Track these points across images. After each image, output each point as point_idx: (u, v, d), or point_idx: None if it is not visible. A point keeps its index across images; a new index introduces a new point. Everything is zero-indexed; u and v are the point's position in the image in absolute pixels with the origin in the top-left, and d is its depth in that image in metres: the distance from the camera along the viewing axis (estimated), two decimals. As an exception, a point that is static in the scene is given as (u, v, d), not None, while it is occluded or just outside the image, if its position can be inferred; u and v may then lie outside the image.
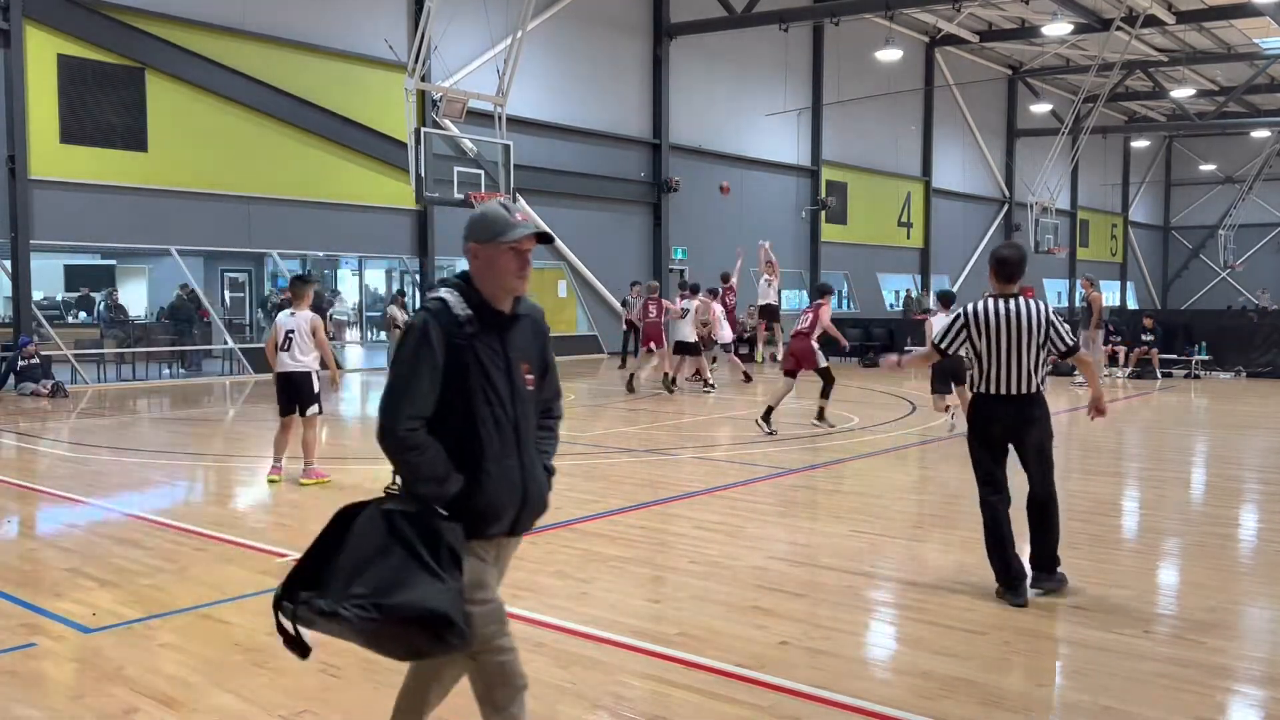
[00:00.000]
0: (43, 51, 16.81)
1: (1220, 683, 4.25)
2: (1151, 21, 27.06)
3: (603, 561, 6.03)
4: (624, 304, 21.26)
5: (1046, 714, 3.97)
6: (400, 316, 21.01)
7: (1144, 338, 20.17)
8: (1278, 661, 4.53)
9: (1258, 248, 46.14)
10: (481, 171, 19.53)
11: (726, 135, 28.23)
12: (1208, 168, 47.61)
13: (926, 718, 3.84)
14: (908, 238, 35.14)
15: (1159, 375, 19.51)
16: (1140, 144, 46.99)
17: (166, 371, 19.26)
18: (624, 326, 21.60)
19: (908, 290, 34.55)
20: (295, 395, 8.47)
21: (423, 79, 18.46)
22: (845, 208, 32.17)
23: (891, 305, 34.05)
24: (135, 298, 24.71)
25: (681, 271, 27.41)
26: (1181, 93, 35.85)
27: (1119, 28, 26.77)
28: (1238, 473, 9.58)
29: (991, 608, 5.19)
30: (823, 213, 31.01)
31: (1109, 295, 45.43)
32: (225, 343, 20.29)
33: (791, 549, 6.48)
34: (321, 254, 24.43)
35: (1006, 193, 39.40)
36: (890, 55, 27.82)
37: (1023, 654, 4.62)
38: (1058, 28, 26.56)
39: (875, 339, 23.84)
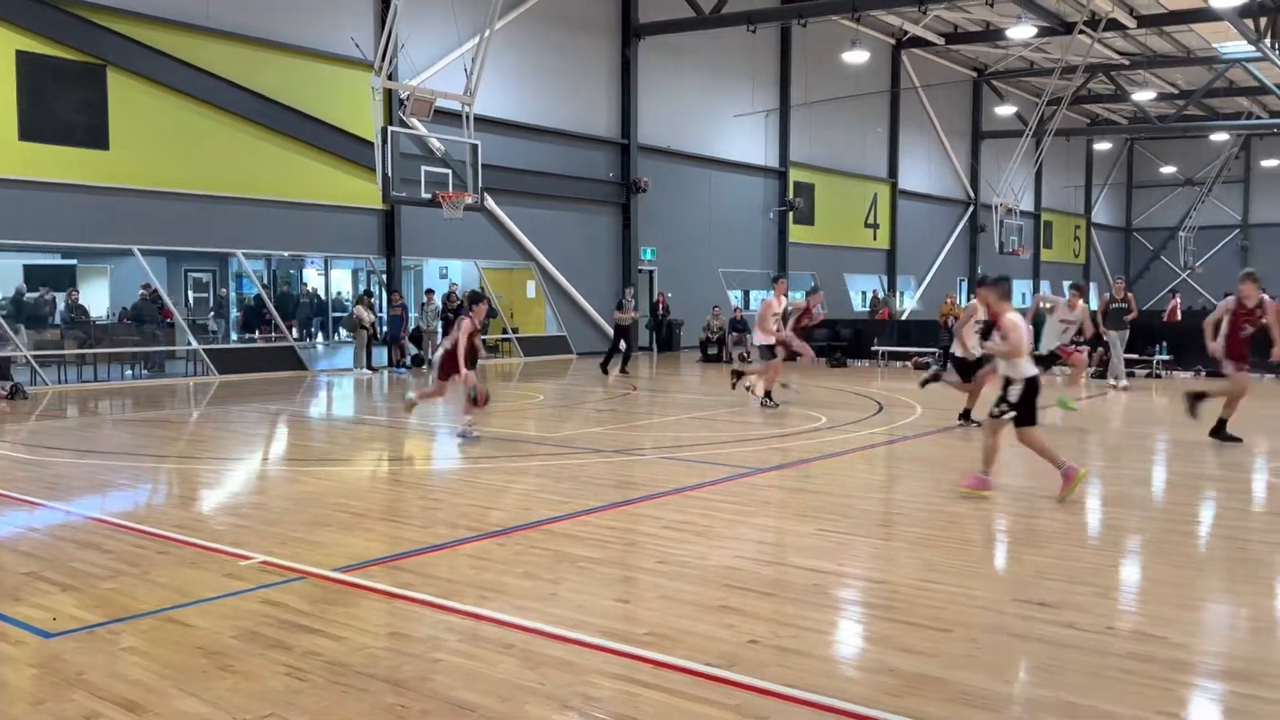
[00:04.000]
0: (1, 47, 16.53)
1: (1181, 678, 4.31)
2: (1113, 25, 27.45)
3: (572, 562, 6.02)
4: (619, 306, 20.79)
5: (1011, 710, 4.01)
6: (367, 317, 20.87)
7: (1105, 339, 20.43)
8: (1237, 656, 4.61)
9: (1217, 249, 46.90)
10: (449, 171, 19.45)
11: (695, 136, 28.30)
12: (1168, 170, 48.34)
13: (893, 715, 3.87)
14: (874, 239, 35.40)
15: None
16: (1102, 146, 47.63)
17: (129, 373, 19.01)
18: (615, 328, 20.81)
19: (874, 291, 34.79)
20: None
21: (390, 78, 18.36)
22: (813, 209, 32.35)
23: (859, 306, 34.26)
24: (97, 298, 24.37)
25: (650, 273, 27.47)
26: (1142, 96, 36.38)
27: (1081, 31, 27.13)
28: (1197, 470, 9.73)
29: (958, 605, 5.23)
30: (790, 214, 31.16)
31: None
32: (189, 343, 20.07)
33: (760, 548, 6.50)
34: (286, 254, 24.22)
35: (971, 194, 39.79)
36: (857, 57, 28.02)
37: (988, 651, 4.66)
38: (1022, 31, 26.87)
39: (843, 339, 23.99)
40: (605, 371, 19.75)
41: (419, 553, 6.25)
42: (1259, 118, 39.65)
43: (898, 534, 7.09)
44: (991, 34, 31.22)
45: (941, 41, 33.02)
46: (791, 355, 15.08)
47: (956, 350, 12.19)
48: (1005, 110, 37.74)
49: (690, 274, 27.67)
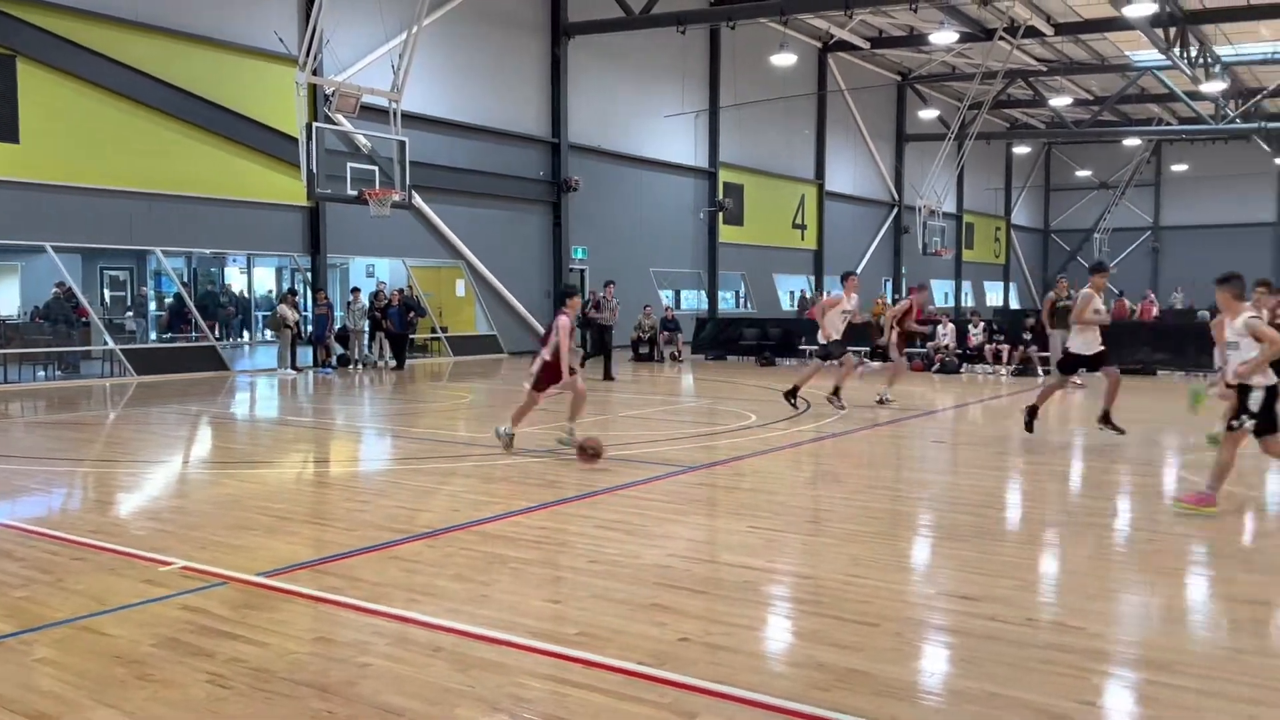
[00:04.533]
0: (-99, 35, 15.85)
1: (1098, 666, 4.45)
2: (1032, 32, 28.18)
3: (503, 563, 5.99)
4: (595, 305, 19.80)
5: (935, 702, 4.10)
6: (291, 316, 20.46)
7: (1025, 336, 21.03)
8: (1150, 644, 4.77)
9: (1130, 250, 48.44)
10: (376, 168, 19.19)
11: (626, 136, 28.34)
12: (1084, 173, 49.80)
13: (821, 709, 3.92)
14: (802, 239, 35.83)
15: (1040, 373, 20.30)
16: (1021, 150, 48.87)
17: (41, 374, 18.36)
18: (595, 329, 20.02)
19: (802, 291, 35.22)
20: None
21: (314, 73, 18.03)
22: (742, 209, 32.62)
23: (787, 306, 34.65)
24: (7, 297, 23.50)
25: (581, 272, 27.43)
26: (1059, 101, 37.41)
27: (1001, 38, 27.81)
28: (1111, 465, 10.04)
29: (885, 600, 5.32)
30: (720, 214, 31.39)
31: (993, 296, 47.15)
32: (105, 343, 19.46)
33: (691, 546, 6.53)
34: (208, 252, 23.64)
35: (896, 196, 40.51)
36: (785, 60, 28.34)
37: (914, 644, 4.76)
38: (944, 36, 27.43)
39: (771, 338, 24.23)
40: (610, 378, 18.11)
41: (345, 556, 6.15)
42: (1169, 124, 41.04)
43: (826, 530, 7.19)
44: (915, 39, 31.83)
45: (867, 45, 33.56)
46: (880, 355, 14.93)
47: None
48: (928, 114, 38.50)
49: (621, 273, 27.68)
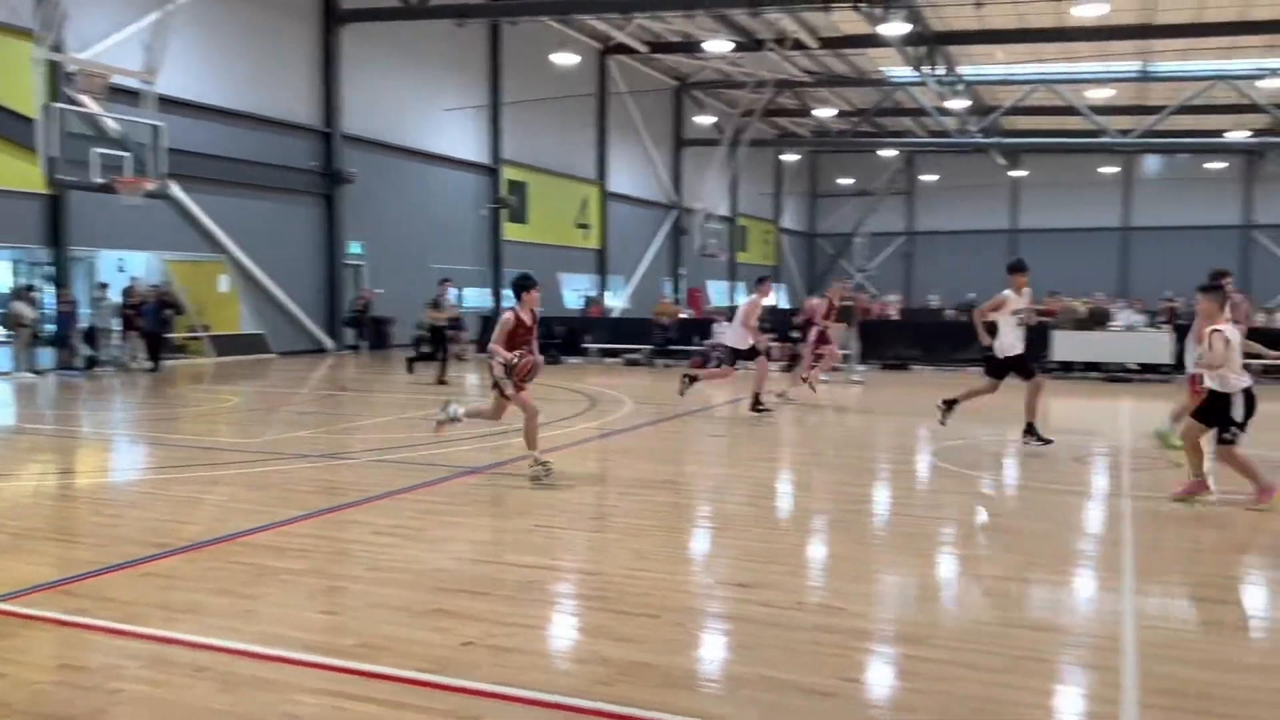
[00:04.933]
0: None
1: (861, 644, 4.72)
2: (798, 45, 29.65)
3: (272, 575, 5.68)
4: (435, 304, 18.30)
5: (713, 689, 4.22)
6: (28, 314, 18.62)
7: (792, 335, 22.09)
8: (906, 621, 5.11)
9: (886, 254, 51.89)
10: (127, 154, 17.78)
11: (405, 128, 27.63)
12: (846, 181, 52.94)
13: (605, 703, 3.95)
14: (586, 239, 36.15)
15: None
16: (790, 157, 51.35)
17: None
18: (424, 330, 18.81)
19: (586, 290, 35.55)
20: None
21: (55, 49, 16.49)
22: (525, 207, 32.54)
23: (572, 305, 34.86)
24: None
25: (357, 268, 26.52)
26: (824, 112, 39.55)
27: (770, 48, 29.11)
28: (872, 454, 10.72)
29: (666, 592, 5.44)
30: (503, 211, 31.18)
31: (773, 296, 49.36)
32: None
33: (475, 548, 6.44)
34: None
35: (676, 198, 41.60)
36: (566, 59, 28.50)
37: (694, 633, 4.89)
38: (718, 44, 28.40)
39: (556, 337, 24.31)
40: (444, 382, 16.96)
41: (95, 574, 5.65)
42: (920, 137, 44.26)
43: (610, 525, 7.27)
44: (691, 46, 32.78)
45: (645, 50, 34.26)
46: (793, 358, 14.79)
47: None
48: (705, 119, 39.75)
49: (401, 270, 26.97)
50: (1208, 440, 7.54)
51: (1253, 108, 31.30)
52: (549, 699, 3.98)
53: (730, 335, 13.53)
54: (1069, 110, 32.90)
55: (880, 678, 4.43)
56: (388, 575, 5.68)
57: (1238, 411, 7.30)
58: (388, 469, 9.06)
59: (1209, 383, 7.46)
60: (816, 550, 6.72)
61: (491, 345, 8.49)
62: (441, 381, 16.87)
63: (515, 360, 8.39)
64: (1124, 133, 33.32)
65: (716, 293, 44.19)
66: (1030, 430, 10.16)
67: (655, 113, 39.61)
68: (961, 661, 4.46)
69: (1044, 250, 48.25)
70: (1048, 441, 10.04)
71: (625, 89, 36.42)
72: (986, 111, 35.70)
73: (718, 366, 13.67)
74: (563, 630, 5.06)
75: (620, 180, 37.85)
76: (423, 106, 28.09)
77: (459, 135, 29.50)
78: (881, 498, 8.57)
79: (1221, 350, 7.21)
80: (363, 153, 26.07)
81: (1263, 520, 7.41)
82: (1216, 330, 7.29)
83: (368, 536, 6.63)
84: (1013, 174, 48.38)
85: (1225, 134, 35.61)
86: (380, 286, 26.50)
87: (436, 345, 17.81)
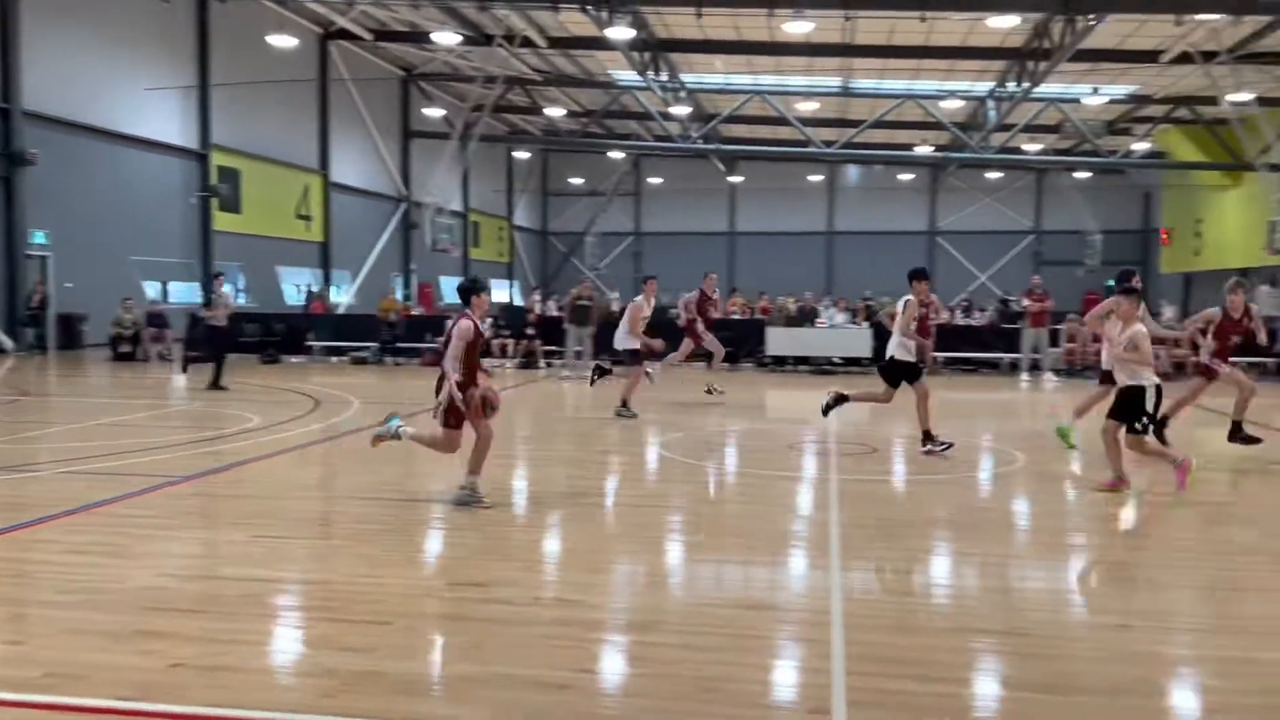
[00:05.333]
0: None
1: (595, 635, 4.81)
2: (527, 43, 29.77)
3: (-60, 605, 5.00)
4: (208, 303, 16.12)
5: (446, 691, 4.16)
6: None
7: (528, 331, 22.24)
8: (638, 609, 5.26)
9: (616, 253, 53.24)
10: None
11: (100, 107, 25.16)
12: (577, 181, 53.81)
13: (329, 716, 3.79)
14: (308, 230, 34.51)
15: (542, 365, 21.60)
16: (522, 154, 51.50)
17: None
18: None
19: (309, 285, 33.94)
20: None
21: None
22: (239, 196, 30.58)
23: (294, 300, 33.14)
24: None
25: (43, 259, 23.92)
26: (554, 111, 39.96)
27: (499, 44, 29.04)
28: (602, 448, 10.96)
29: (398, 597, 5.29)
30: (214, 200, 29.14)
31: (499, 293, 49.22)
32: None
33: (186, 563, 5.98)
34: None
35: (405, 191, 40.60)
36: (283, 42, 27.05)
37: (427, 638, 4.79)
38: (446, 37, 27.96)
39: (276, 334, 23.07)
40: (220, 388, 15.13)
41: None
42: (646, 140, 45.73)
43: (337, 532, 6.98)
44: (418, 36, 32.06)
45: (370, 37, 33.16)
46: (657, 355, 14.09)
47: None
48: (434, 112, 39.03)
49: (96, 262, 24.56)
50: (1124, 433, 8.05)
51: (937, 125, 34.71)
52: (270, 716, 3.77)
53: (619, 339, 13.45)
54: (781, 120, 35.08)
55: (613, 667, 4.53)
56: (84, 598, 5.16)
57: (1149, 404, 7.85)
58: (81, 481, 8.22)
59: (1123, 379, 8.01)
60: (552, 545, 6.78)
61: (447, 362, 7.21)
62: (217, 386, 15.12)
63: (478, 399, 7.26)
64: (829, 144, 35.95)
65: (450, 289, 43.59)
66: (929, 437, 9.97)
67: (382, 103, 38.45)
68: (688, 645, 4.65)
69: (759, 252, 51.39)
70: (948, 445, 9.90)
71: (349, 76, 35.10)
72: (707, 119, 37.39)
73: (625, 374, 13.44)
74: (285, 644, 4.80)
75: (345, 171, 36.44)
76: (121, 84, 25.72)
77: (164, 118, 27.26)
78: (614, 490, 8.78)
79: (1149, 349, 7.87)
80: (49, 132, 23.50)
81: (950, 494, 8.26)
82: (1139, 330, 7.86)
83: (58, 556, 6.00)
84: (731, 179, 51.00)
85: (914, 148, 39.27)
86: (70, 280, 24.02)
87: (215, 347, 15.92)
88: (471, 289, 7.51)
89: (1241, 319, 9.95)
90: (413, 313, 26.26)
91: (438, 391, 7.32)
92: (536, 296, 28.08)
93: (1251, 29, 23.32)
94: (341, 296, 35.74)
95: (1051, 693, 4.14)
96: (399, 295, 32.83)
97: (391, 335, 22.84)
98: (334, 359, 22.84)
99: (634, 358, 13.20)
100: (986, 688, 4.34)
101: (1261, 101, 27.69)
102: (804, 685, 4.31)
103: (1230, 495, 8.76)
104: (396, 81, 39.41)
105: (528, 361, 21.72)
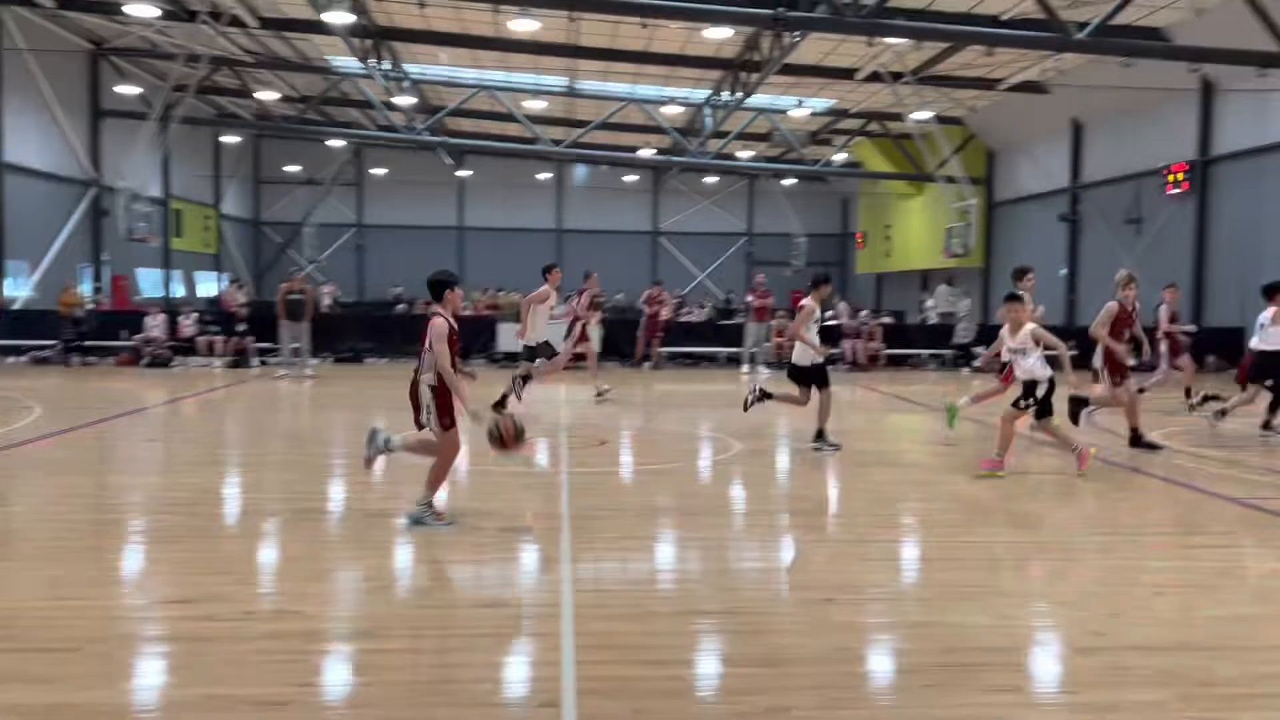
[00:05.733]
0: None
1: (315, 646, 4.59)
2: (236, 22, 27.95)
3: None
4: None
5: (150, 718, 3.83)
6: None
7: (239, 328, 20.94)
8: (360, 617, 5.07)
9: (337, 245, 51.20)
10: None
11: None
12: (294, 169, 51.21)
13: (11, 761, 3.38)
14: (-23, 216, 30.61)
15: (253, 364, 20.38)
16: (231, 140, 48.32)
17: None
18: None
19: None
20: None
21: None
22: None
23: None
24: None
25: None
26: (267, 95, 37.77)
27: (204, 21, 27.09)
28: (323, 450, 10.50)
29: (91, 620, 4.81)
30: None
31: (206, 287, 46.03)
32: None
33: None
34: None
35: (95, 175, 36.98)
36: (-56, 1, 23.83)
37: (125, 662, 4.38)
38: (143, 9, 25.70)
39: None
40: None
41: None
42: (368, 130, 44.25)
43: (16, 552, 6.24)
44: (109, 7, 29.26)
45: (53, 4, 29.88)
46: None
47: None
48: (129, 90, 35.79)
49: None
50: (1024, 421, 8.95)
51: (659, 129, 35.97)
52: (-69, 769, 3.31)
53: (533, 334, 12.90)
54: (509, 117, 35.07)
55: (336, 678, 4.34)
56: None
57: (1042, 392, 8.73)
58: None
59: (1022, 374, 8.81)
60: (268, 555, 6.40)
61: (442, 364, 6.61)
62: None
63: (512, 426, 6.93)
64: (557, 142, 36.34)
65: (150, 282, 40.15)
66: (821, 435, 10.17)
67: (66, 78, 34.77)
68: (416, 649, 4.54)
69: (488, 248, 51.20)
70: (836, 447, 10.12)
71: (26, 47, 31.50)
72: (433, 111, 36.73)
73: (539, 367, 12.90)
74: (-49, 683, 4.23)
75: (23, 151, 32.62)
76: None
77: None
78: (335, 495, 8.42)
79: (1053, 337, 8.73)
80: None
81: (674, 482, 8.59)
82: (1033, 328, 8.74)
83: None
84: (459, 174, 50.42)
85: (638, 150, 40.49)
86: None
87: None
88: (445, 283, 6.93)
89: (1131, 312, 10.35)
90: (104, 307, 24.00)
91: (413, 399, 6.87)
92: (236, 290, 26.48)
93: (931, 53, 25.91)
94: (19, 290, 32.01)
95: (767, 665, 4.40)
96: (87, 288, 29.91)
97: (77, 333, 20.75)
98: (10, 360, 20.46)
99: (545, 351, 12.91)
100: (708, 666, 4.55)
101: (940, 119, 30.87)
102: (534, 679, 4.33)
103: (922, 474, 9.70)
104: (84, 55, 35.82)
105: (238, 360, 20.42)
